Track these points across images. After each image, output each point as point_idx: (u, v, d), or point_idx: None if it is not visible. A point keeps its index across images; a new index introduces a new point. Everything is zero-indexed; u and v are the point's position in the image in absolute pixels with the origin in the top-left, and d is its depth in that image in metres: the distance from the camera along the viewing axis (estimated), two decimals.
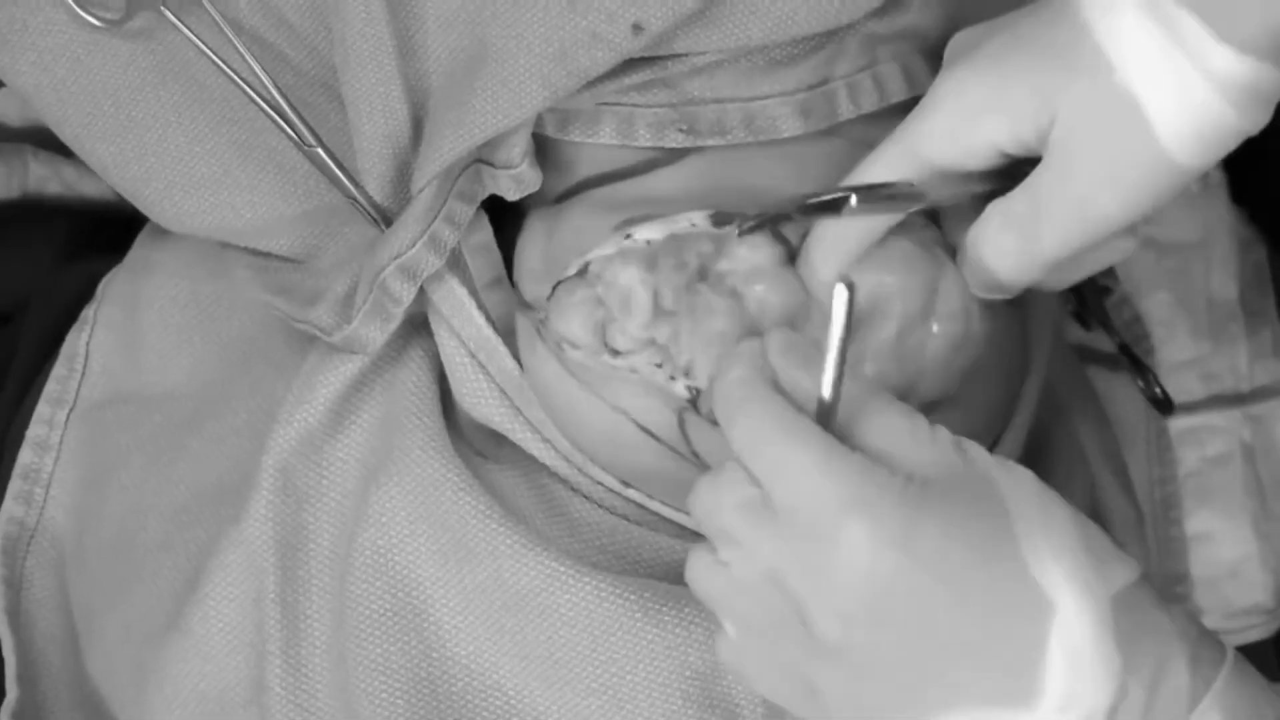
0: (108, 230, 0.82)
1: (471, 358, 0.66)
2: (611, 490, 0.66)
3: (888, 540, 0.51)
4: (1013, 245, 0.58)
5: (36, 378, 0.76)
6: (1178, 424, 0.83)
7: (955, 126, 0.57)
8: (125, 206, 0.83)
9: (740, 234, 0.61)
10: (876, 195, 0.58)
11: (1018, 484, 0.54)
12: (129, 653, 0.69)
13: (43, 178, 0.86)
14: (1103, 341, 0.80)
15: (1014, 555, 0.52)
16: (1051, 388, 0.74)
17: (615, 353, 0.62)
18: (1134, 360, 0.69)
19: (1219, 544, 0.83)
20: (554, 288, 0.63)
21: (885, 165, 0.59)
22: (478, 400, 0.66)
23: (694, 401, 0.62)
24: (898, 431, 0.54)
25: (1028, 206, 0.57)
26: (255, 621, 0.67)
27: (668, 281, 0.61)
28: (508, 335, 0.66)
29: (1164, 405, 0.68)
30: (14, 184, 0.85)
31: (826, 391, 0.53)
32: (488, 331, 0.66)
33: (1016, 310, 0.67)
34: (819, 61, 0.66)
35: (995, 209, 0.58)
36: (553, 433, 0.66)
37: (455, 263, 0.66)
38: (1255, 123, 0.54)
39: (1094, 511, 0.77)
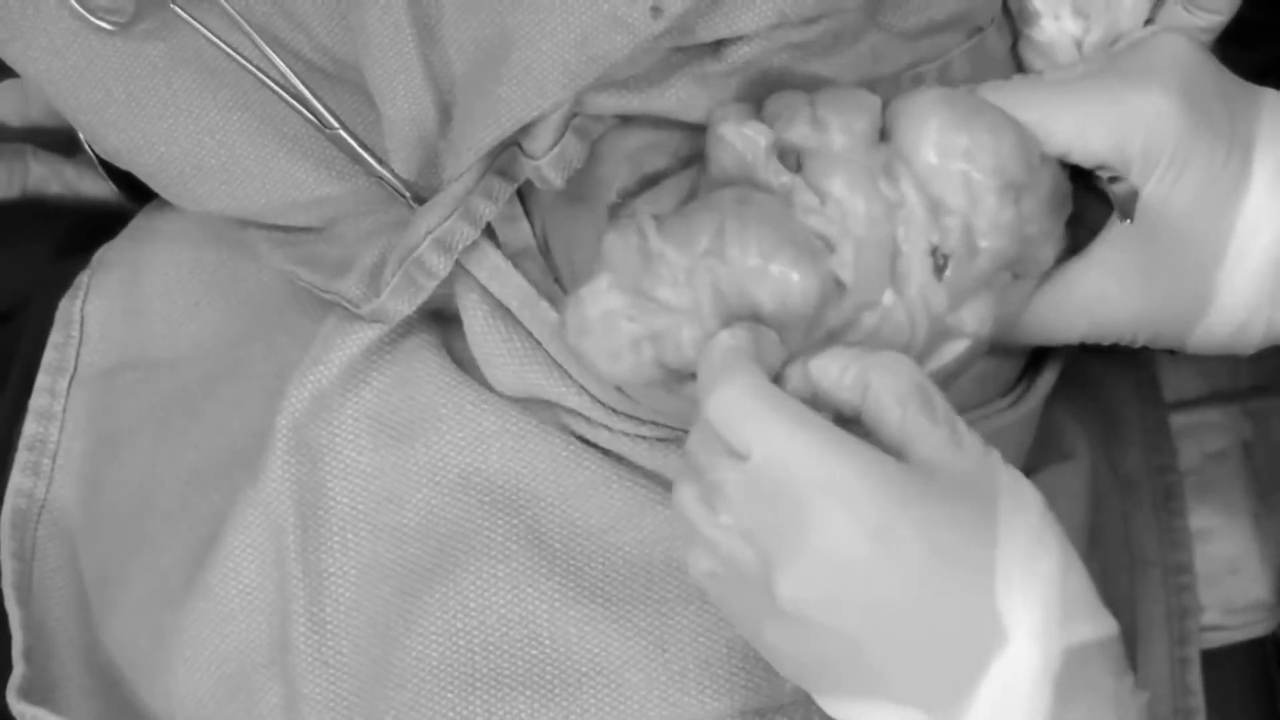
0: (108, 230, 0.81)
1: (505, 318, 0.66)
2: (649, 439, 0.67)
3: (860, 529, 0.51)
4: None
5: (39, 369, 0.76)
6: (1177, 420, 0.84)
7: (1086, 131, 0.62)
8: (126, 206, 0.83)
9: None
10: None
11: (1019, 507, 0.54)
12: (147, 619, 0.69)
13: (43, 178, 0.86)
14: None
15: (986, 579, 0.52)
16: None
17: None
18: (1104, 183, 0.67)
19: (1218, 540, 0.84)
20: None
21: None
22: (511, 359, 0.66)
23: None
24: (916, 418, 0.54)
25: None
26: (276, 581, 0.66)
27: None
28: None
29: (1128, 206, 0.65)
30: (14, 184, 0.85)
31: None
32: (527, 287, 0.66)
33: None
34: (858, 57, 0.65)
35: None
36: (588, 379, 0.66)
37: (487, 231, 0.66)
38: None
39: (1090, 502, 0.78)
